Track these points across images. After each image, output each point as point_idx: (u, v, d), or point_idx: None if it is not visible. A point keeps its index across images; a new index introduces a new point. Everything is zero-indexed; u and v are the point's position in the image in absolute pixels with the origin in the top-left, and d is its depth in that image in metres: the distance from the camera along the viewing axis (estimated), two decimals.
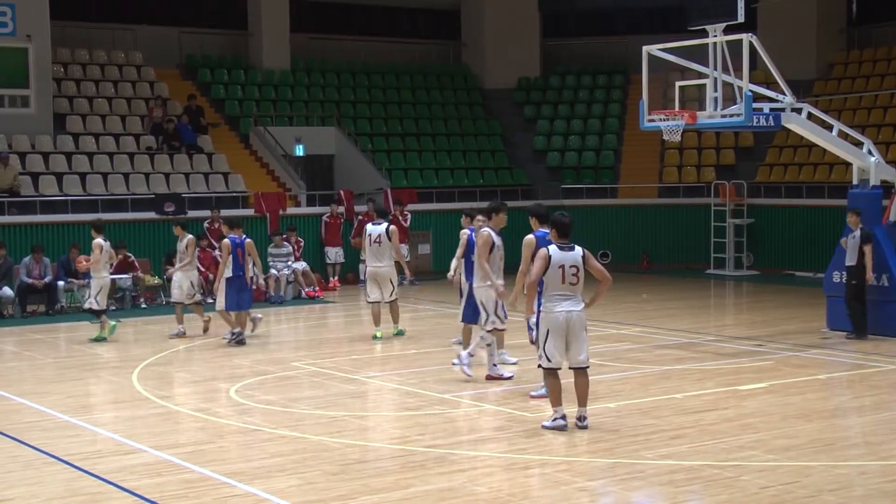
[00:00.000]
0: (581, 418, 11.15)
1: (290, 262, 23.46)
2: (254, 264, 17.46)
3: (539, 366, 11.13)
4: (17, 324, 19.90)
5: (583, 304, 11.03)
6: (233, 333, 17.20)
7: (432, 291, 23.44)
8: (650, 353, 15.90)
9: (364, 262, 25.43)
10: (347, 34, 33.99)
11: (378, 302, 17.43)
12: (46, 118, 25.81)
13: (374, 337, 17.39)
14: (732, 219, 27.49)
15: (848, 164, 19.52)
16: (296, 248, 23.99)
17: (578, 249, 10.96)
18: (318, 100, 30.91)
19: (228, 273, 17.09)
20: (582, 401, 11.16)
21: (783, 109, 17.30)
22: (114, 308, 21.57)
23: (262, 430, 11.33)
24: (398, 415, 12.23)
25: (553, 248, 10.91)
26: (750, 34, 16.77)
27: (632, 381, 13.81)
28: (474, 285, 13.94)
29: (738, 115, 16.60)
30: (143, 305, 22.08)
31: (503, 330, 13.92)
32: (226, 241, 17.23)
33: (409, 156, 30.31)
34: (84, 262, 18.09)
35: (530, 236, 11.97)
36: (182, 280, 18.19)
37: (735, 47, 16.79)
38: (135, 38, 30.39)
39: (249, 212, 25.26)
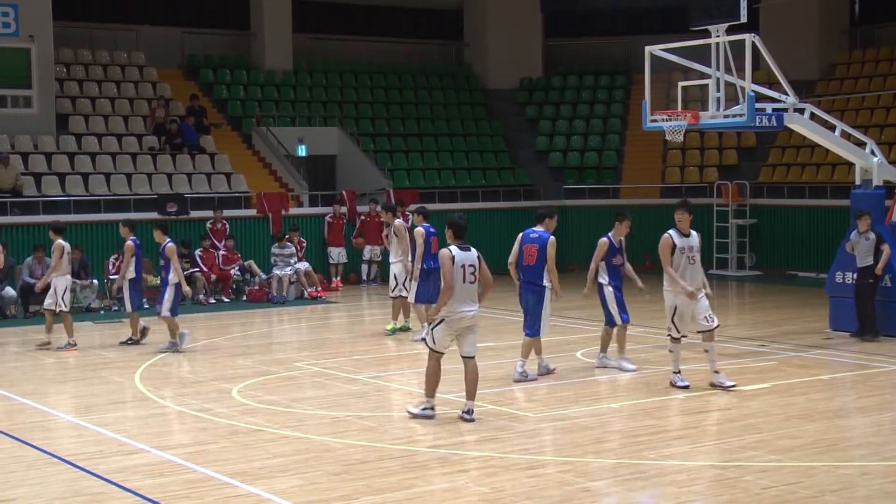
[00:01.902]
0: (468, 412, 11.52)
1: (293, 262, 23.44)
2: (173, 270, 16.81)
3: (423, 339, 11.79)
4: (20, 324, 19.91)
5: (478, 304, 11.53)
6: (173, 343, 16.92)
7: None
8: (653, 354, 15.89)
9: (367, 261, 25.79)
10: (350, 34, 34.01)
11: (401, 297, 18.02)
12: (49, 118, 25.83)
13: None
14: (735, 219, 27.47)
15: (851, 165, 19.51)
16: (298, 248, 24.00)
17: (474, 251, 11.56)
18: (320, 100, 30.92)
19: (132, 275, 16.96)
20: (470, 395, 11.57)
21: (786, 110, 17.30)
22: (116, 308, 21.59)
23: (264, 431, 11.33)
24: (401, 415, 12.22)
25: (454, 248, 11.43)
26: (752, 34, 16.77)
27: (634, 381, 13.80)
28: (665, 289, 13.36)
29: (741, 115, 16.59)
30: (146, 306, 22.06)
31: (715, 328, 13.25)
32: (129, 243, 17.00)
33: (412, 156, 30.32)
34: None
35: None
36: (58, 287, 17.22)
37: (737, 47, 16.79)
38: (137, 39, 30.41)
39: (252, 212, 25.28)
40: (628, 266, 14.60)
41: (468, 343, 11.54)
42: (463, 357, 11.62)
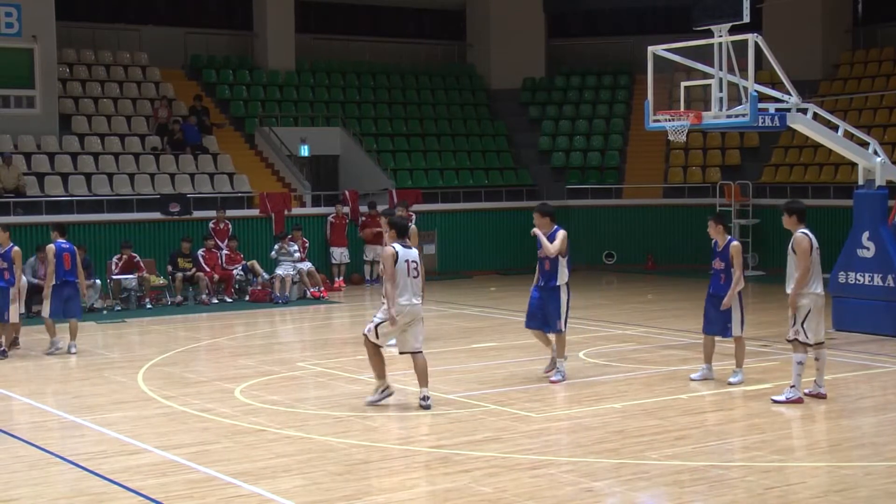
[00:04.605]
0: (425, 398, 12.16)
1: (296, 256, 23.39)
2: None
3: (364, 334, 12.24)
4: (23, 324, 19.86)
5: (421, 298, 12.25)
6: (52, 344, 16.59)
7: (437, 291, 23.43)
8: (655, 354, 15.89)
9: (370, 261, 25.78)
10: (352, 34, 34.04)
11: None
12: (52, 118, 25.86)
13: None
14: (738, 219, 27.45)
15: (854, 165, 19.50)
16: (302, 248, 24.00)
17: (415, 250, 12.39)
18: (323, 100, 30.95)
19: (53, 280, 16.44)
20: (423, 381, 12.23)
21: (789, 109, 17.29)
22: (119, 308, 21.62)
23: (267, 431, 11.34)
24: (403, 415, 12.23)
25: (397, 246, 12.12)
26: (755, 34, 16.77)
27: (637, 381, 13.80)
28: (796, 291, 12.34)
29: (744, 115, 16.59)
30: (149, 306, 22.10)
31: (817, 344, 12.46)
32: (50, 245, 16.56)
33: (414, 156, 30.33)
34: None
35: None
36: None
37: (740, 47, 16.79)
38: (140, 39, 30.45)
39: (255, 212, 25.30)
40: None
41: (413, 337, 12.16)
42: (410, 353, 12.24)
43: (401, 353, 12.40)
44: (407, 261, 12.08)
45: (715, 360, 13.90)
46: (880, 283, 17.18)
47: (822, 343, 12.46)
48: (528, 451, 10.37)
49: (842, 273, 17.76)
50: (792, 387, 12.27)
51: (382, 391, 12.36)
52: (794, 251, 12.32)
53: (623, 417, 11.74)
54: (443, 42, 35.37)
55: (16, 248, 16.54)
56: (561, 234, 13.47)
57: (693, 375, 13.69)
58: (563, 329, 13.58)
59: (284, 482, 9.42)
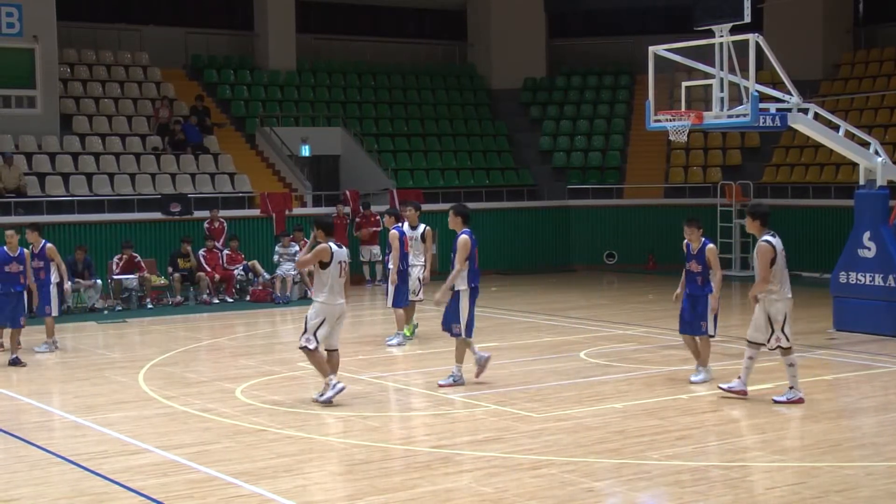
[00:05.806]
0: (337, 384, 12.41)
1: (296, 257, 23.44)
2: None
3: (304, 348, 12.35)
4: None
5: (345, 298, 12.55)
6: (49, 343, 16.86)
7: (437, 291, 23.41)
8: (656, 354, 15.89)
9: (368, 262, 25.78)
10: (353, 34, 34.05)
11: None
12: (53, 118, 25.87)
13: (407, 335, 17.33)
14: (738, 219, 27.44)
15: (854, 165, 19.50)
16: (302, 248, 23.98)
17: (345, 249, 12.64)
18: (323, 100, 30.95)
19: (57, 279, 16.95)
20: (335, 369, 12.59)
21: (789, 110, 17.29)
22: (119, 308, 21.62)
23: (268, 431, 11.34)
24: (404, 415, 12.23)
25: (332, 245, 12.31)
26: (756, 34, 16.76)
27: (637, 381, 13.80)
28: (772, 298, 12.51)
29: (745, 115, 16.59)
30: (150, 306, 22.11)
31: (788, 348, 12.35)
32: (52, 246, 17.04)
33: (415, 156, 30.34)
34: None
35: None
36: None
37: (741, 47, 16.79)
38: (141, 39, 30.47)
39: (256, 212, 25.30)
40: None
41: (335, 336, 12.55)
42: (329, 350, 12.52)
43: (326, 350, 12.46)
44: (340, 262, 12.33)
45: (713, 360, 13.90)
46: (881, 283, 17.18)
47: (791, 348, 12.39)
48: (529, 451, 10.37)
49: (843, 273, 17.76)
50: (791, 388, 12.28)
51: (335, 385, 12.36)
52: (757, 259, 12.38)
53: (624, 417, 11.75)
54: (443, 42, 35.37)
55: (50, 245, 16.98)
56: (461, 239, 13.34)
57: (692, 377, 13.68)
58: (463, 335, 13.35)
59: (285, 482, 9.43)
